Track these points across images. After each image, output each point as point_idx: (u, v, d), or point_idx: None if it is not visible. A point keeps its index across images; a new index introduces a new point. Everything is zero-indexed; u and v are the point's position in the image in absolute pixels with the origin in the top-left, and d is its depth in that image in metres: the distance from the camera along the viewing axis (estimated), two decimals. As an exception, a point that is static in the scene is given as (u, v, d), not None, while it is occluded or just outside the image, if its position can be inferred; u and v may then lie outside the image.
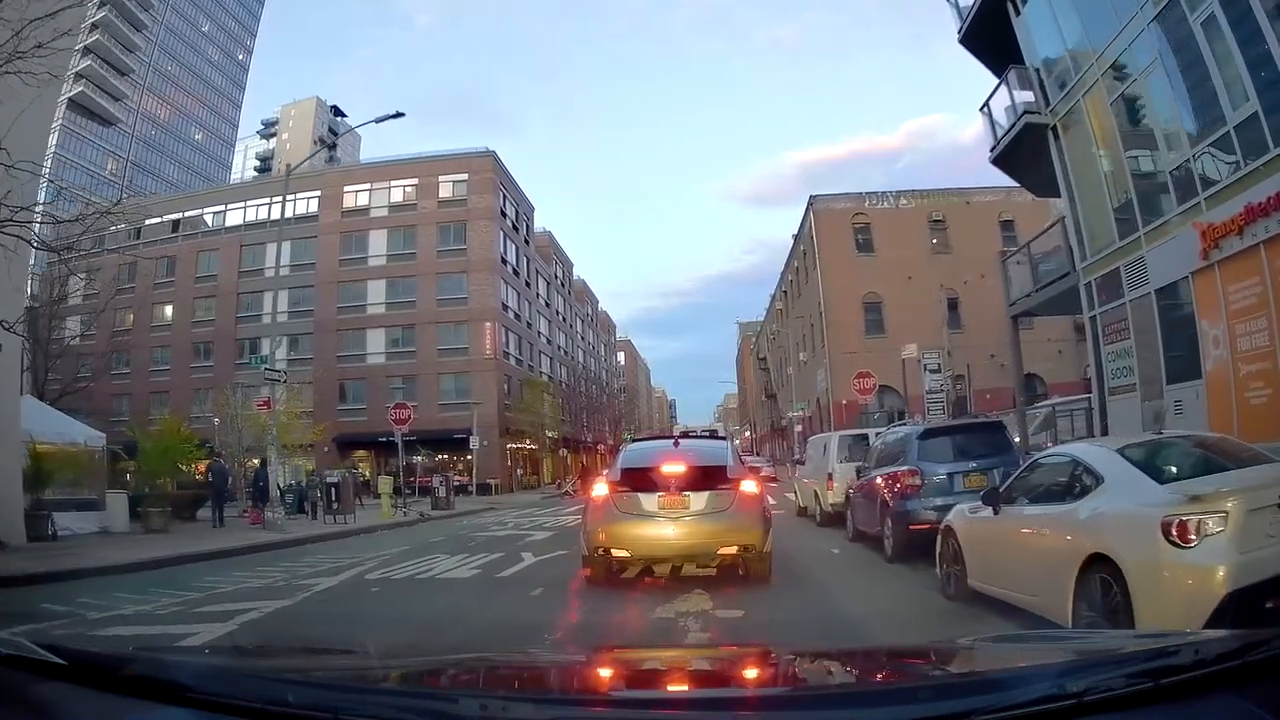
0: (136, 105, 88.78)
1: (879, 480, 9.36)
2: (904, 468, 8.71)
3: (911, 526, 8.17)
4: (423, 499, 26.98)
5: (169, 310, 48.81)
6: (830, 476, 13.02)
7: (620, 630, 6.09)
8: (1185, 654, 1.39)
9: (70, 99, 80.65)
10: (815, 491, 14.01)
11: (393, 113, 17.24)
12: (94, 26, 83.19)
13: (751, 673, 2.01)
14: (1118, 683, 1.27)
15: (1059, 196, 17.27)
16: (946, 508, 7.48)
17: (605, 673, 2.07)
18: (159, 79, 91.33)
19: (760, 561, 7.22)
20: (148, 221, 50.89)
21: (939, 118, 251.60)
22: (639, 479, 7.15)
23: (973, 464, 8.50)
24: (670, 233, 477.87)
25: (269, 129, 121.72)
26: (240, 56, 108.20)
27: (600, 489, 7.41)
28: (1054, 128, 14.81)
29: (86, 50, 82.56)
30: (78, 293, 45.99)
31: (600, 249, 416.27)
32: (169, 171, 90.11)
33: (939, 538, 6.31)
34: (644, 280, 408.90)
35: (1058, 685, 1.27)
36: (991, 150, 16.19)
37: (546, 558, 10.25)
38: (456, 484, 36.93)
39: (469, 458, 35.31)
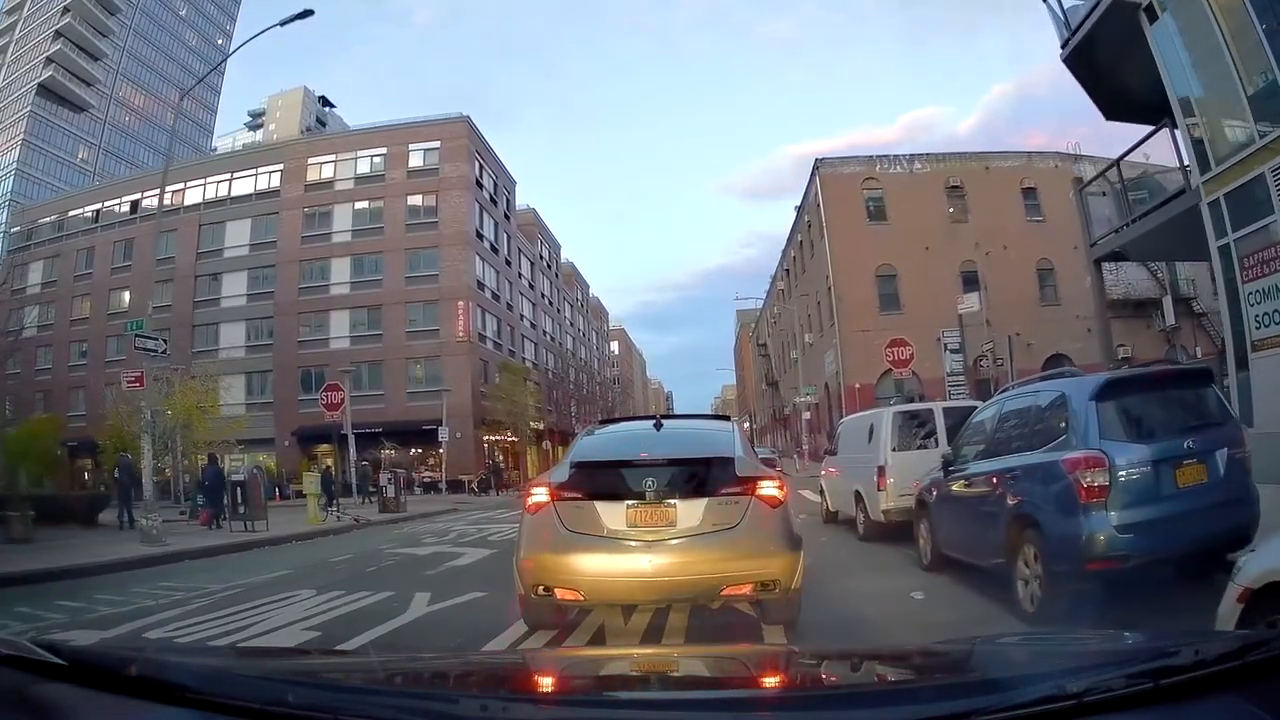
0: (110, 91, 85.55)
1: (1005, 478, 5.51)
2: (1075, 453, 4.71)
3: (1090, 565, 4.43)
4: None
5: (126, 296, 45.29)
6: (881, 471, 9.07)
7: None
8: (1185, 654, 1.34)
9: (40, 84, 77.61)
10: (857, 491, 10.04)
11: (300, 11, 13.59)
12: (65, 9, 79.99)
13: (752, 673, 1.98)
14: (1118, 683, 1.26)
15: (1136, 120, 13.76)
16: (1153, 525, 4.00)
17: (605, 673, 2.02)
18: (134, 63, 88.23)
19: (787, 605, 4.78)
20: (107, 204, 47.59)
21: (935, 110, 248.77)
22: (598, 480, 4.74)
23: (1187, 442, 4.69)
24: (668, 228, 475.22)
25: (256, 120, 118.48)
26: (219, 41, 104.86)
27: (538, 495, 4.83)
28: (1148, 7, 11.24)
29: (57, 34, 79.50)
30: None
31: (598, 245, 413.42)
32: (144, 158, 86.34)
33: (1233, 603, 2.54)
34: (641, 275, 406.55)
35: (1058, 685, 1.25)
36: (1063, 47, 12.60)
37: (446, 606, 6.46)
38: (428, 480, 33.58)
39: (441, 452, 31.81)
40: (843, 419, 13.12)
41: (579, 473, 4.82)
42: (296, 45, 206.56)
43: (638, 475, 4.64)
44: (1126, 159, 13.42)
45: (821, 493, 12.66)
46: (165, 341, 14.15)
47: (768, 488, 4.67)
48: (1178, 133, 11.11)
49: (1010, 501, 5.28)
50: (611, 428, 6.51)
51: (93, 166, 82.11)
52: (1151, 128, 12.54)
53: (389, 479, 20.21)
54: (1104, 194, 12.90)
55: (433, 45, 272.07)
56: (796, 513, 5.41)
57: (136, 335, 13.09)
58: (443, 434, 29.29)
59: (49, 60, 79.74)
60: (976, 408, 9.10)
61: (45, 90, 79.28)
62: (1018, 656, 1.90)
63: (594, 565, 4.56)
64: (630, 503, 4.58)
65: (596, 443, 5.70)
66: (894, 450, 9.13)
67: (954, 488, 6.47)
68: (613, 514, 4.58)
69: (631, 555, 4.51)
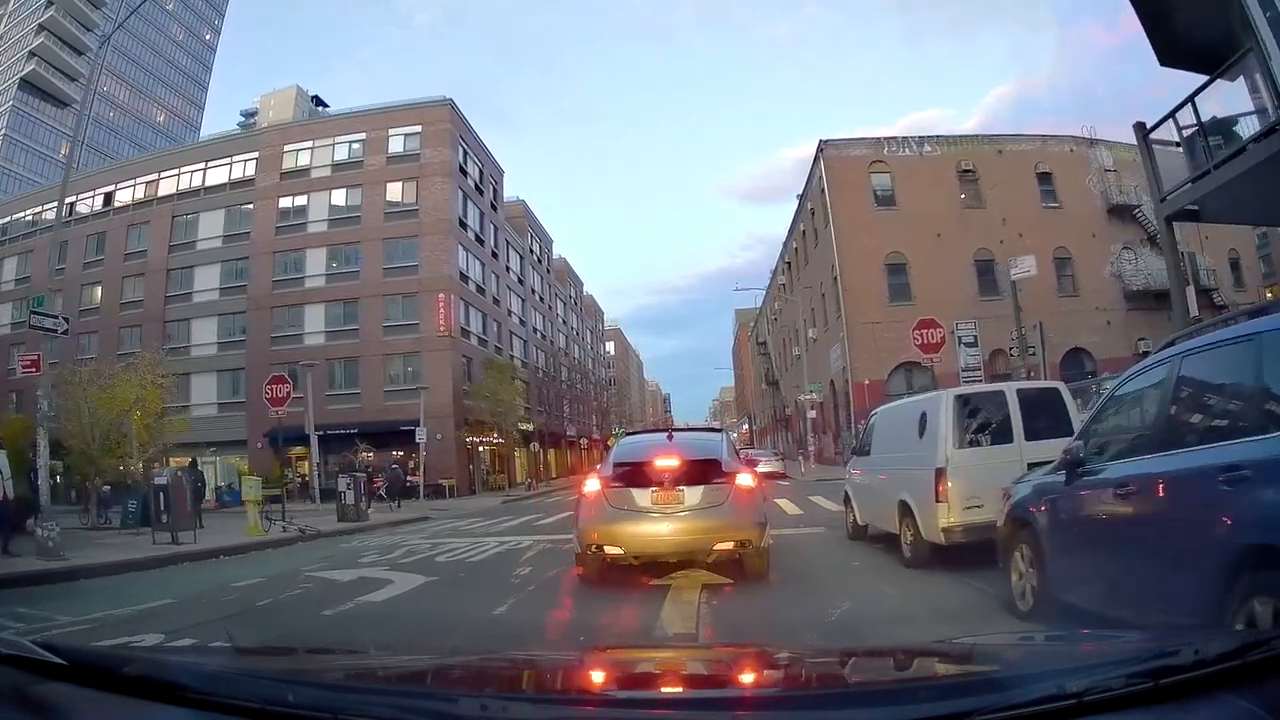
0: (94, 86, 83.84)
1: (1213, 484, 3.05)
2: None
3: None
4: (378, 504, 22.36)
5: (99, 292, 43.32)
6: (940, 475, 6.80)
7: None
8: (1185, 654, 1.34)
9: (22, 78, 75.85)
10: (902, 502, 7.63)
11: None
12: (49, 3, 78.26)
13: (751, 673, 1.95)
14: (1117, 683, 1.25)
15: (1193, 67, 11.79)
16: None
17: (605, 673, 2.00)
18: (118, 58, 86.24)
19: (758, 558, 6.93)
20: (79, 197, 45.61)
21: (936, 113, 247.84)
22: (632, 474, 6.93)
23: None
24: (667, 231, 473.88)
25: (249, 120, 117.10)
26: (207, 36, 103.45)
27: (592, 484, 7.12)
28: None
29: (40, 28, 77.75)
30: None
31: (596, 247, 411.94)
32: (128, 155, 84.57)
33: None
34: (640, 278, 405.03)
35: (1058, 685, 1.25)
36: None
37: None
38: (408, 484, 31.52)
39: (420, 454, 29.77)
40: (876, 409, 10.46)
41: (620, 468, 6.99)
42: (298, 48, 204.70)
43: (658, 470, 6.78)
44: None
45: (846, 501, 10.15)
46: (68, 322, 12.21)
47: (743, 479, 6.86)
48: (1271, 59, 9.09)
49: (1226, 524, 3.04)
50: (637, 438, 8.84)
51: (76, 163, 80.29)
52: (1206, 77, 10.61)
53: (348, 484, 18.11)
54: (1177, 145, 10.77)
55: (432, 49, 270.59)
56: (765, 498, 7.39)
57: (34, 313, 11.17)
58: (420, 435, 27.27)
59: (31, 54, 78.06)
60: (1057, 389, 7.08)
61: (28, 85, 77.60)
62: (1018, 656, 1.87)
63: (630, 529, 6.66)
64: (653, 488, 6.70)
65: (628, 448, 7.76)
66: (957, 448, 6.91)
67: (1090, 500, 4.19)
68: (642, 495, 6.70)
69: (654, 523, 6.63)
